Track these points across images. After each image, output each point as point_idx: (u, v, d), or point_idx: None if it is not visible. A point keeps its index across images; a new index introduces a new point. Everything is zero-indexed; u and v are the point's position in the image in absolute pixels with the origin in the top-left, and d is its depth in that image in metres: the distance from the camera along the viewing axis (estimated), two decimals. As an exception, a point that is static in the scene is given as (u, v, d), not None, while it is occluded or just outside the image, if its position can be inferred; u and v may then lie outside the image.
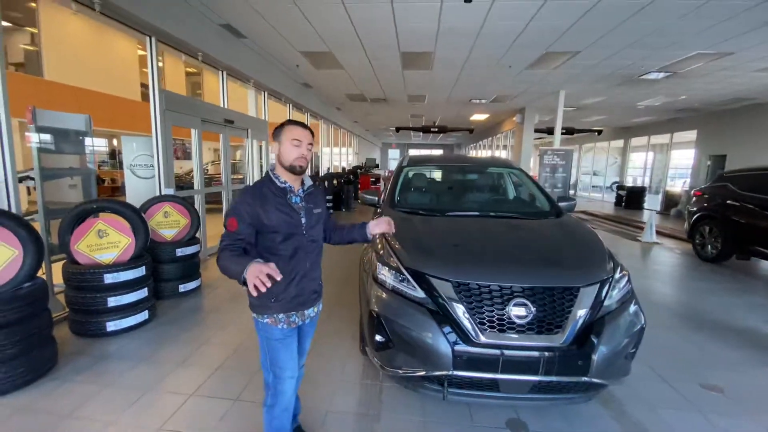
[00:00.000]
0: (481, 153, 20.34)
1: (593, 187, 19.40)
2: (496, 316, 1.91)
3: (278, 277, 1.28)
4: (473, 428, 2.11)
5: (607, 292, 2.01)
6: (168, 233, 3.86)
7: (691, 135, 11.90)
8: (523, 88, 8.56)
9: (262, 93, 7.28)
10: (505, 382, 1.89)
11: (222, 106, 5.89)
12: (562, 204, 3.28)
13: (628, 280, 2.20)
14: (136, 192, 4.70)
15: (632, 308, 2.07)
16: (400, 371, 1.98)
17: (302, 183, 1.62)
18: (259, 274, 1.25)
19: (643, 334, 2.09)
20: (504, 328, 1.90)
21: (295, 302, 1.58)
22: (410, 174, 3.64)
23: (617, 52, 5.77)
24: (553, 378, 1.85)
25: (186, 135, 6.68)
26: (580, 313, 1.91)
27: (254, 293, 1.26)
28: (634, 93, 8.74)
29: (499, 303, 1.92)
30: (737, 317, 3.76)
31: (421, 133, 20.19)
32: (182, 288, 3.85)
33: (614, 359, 1.90)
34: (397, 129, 15.00)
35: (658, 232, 7.92)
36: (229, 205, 1.49)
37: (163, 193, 4.21)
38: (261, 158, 7.34)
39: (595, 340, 1.85)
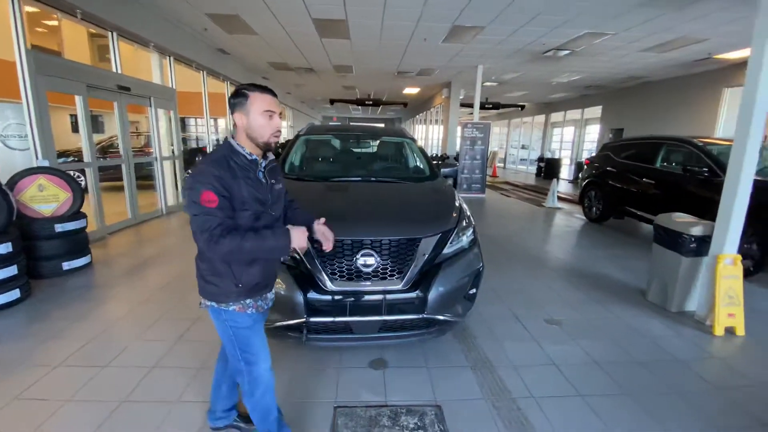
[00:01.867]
0: (419, 127, 20.71)
1: (522, 160, 20.75)
2: (346, 267, 2.10)
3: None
4: (340, 369, 2.33)
5: (447, 242, 2.28)
6: (45, 208, 3.58)
7: (598, 111, 13.09)
8: (444, 61, 8.81)
9: (167, 58, 6.75)
10: (356, 324, 2.11)
11: (115, 71, 5.40)
12: (445, 170, 3.56)
13: (473, 231, 2.51)
14: (10, 165, 4.26)
15: (471, 255, 2.37)
16: (269, 325, 2.13)
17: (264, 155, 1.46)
18: (304, 235, 1.37)
19: (481, 277, 2.42)
20: (353, 276, 2.10)
21: (260, 285, 1.47)
22: (305, 142, 3.70)
23: (518, 28, 6.14)
24: (395, 317, 2.10)
25: (97, 105, 6.09)
26: (420, 260, 2.16)
27: (328, 248, 1.60)
28: (545, 69, 9.38)
29: (349, 255, 2.11)
30: (597, 267, 4.40)
31: (359, 107, 20.05)
32: (66, 266, 3.64)
33: (450, 298, 2.19)
34: (331, 101, 14.76)
35: (560, 198, 8.81)
36: (189, 181, 1.29)
37: (37, 164, 3.86)
38: (172, 130, 6.91)
39: (430, 282, 2.12)
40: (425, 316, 2.11)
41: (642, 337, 2.82)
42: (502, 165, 21.26)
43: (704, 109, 8.98)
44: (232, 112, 1.36)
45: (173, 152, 7.01)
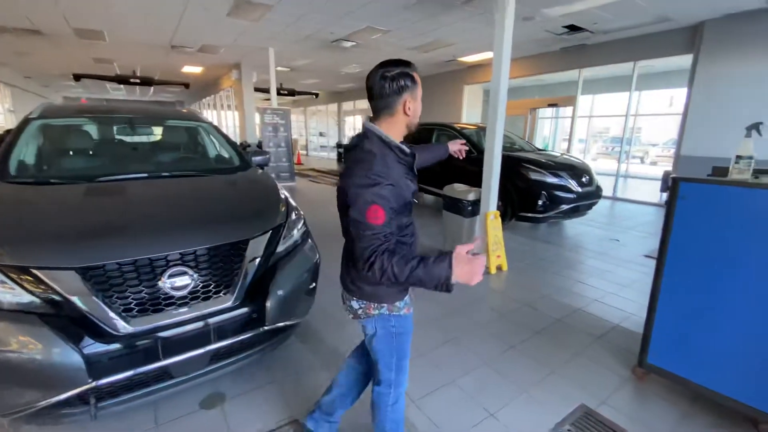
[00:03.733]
0: (208, 112, 18.40)
1: (322, 147, 21.57)
2: (147, 296, 1.57)
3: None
4: (158, 428, 1.78)
5: (279, 239, 2.04)
6: None
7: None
8: (230, 39, 7.96)
9: None
10: (175, 366, 1.63)
11: None
12: (257, 159, 3.19)
13: (304, 222, 2.34)
14: None
15: (307, 248, 2.21)
16: (21, 410, 1.37)
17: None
18: (482, 267, 1.10)
19: (318, 269, 2.30)
20: (160, 305, 1.60)
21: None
22: (42, 129, 2.58)
23: (306, 13, 6.11)
24: (231, 341, 1.74)
25: None
26: (251, 266, 1.85)
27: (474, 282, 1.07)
28: (334, 59, 9.82)
29: (149, 279, 1.58)
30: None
31: (122, 86, 16.02)
32: None
33: (291, 301, 1.98)
34: (77, 77, 11.10)
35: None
36: (356, 187, 1.07)
37: None
38: None
39: (267, 289, 1.84)
40: (267, 328, 1.84)
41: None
42: (305, 153, 21.56)
43: (453, 101, 11.48)
44: (399, 94, 1.15)
45: None
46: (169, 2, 5.72)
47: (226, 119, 14.83)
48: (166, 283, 1.60)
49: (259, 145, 9.67)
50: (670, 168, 7.91)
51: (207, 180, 2.46)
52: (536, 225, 5.57)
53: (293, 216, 2.24)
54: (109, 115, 2.97)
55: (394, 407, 1.41)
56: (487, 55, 8.95)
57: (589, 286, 3.47)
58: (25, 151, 2.35)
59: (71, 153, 2.61)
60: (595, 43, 7.66)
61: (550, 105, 9.57)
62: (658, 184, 8.60)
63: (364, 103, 16.19)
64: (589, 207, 5.42)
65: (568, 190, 5.00)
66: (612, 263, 4.09)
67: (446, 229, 4.06)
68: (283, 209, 2.19)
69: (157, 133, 3.13)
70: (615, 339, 2.59)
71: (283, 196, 2.34)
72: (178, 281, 1.62)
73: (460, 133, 6.20)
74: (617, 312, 2.97)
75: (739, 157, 1.81)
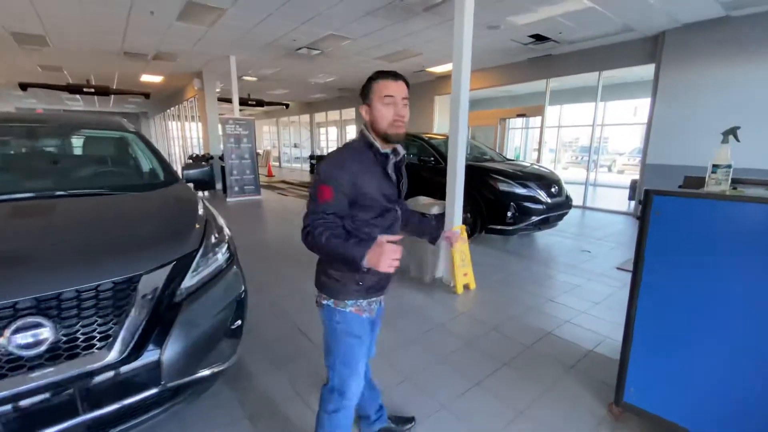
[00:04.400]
0: (173, 124, 17.65)
1: (296, 158, 21.10)
2: (-15, 358, 1.18)
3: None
4: None
5: (188, 270, 1.67)
6: None
7: (353, 112, 14.64)
8: (187, 45, 7.53)
9: None
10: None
11: None
12: (190, 172, 2.82)
13: (228, 247, 1.98)
14: None
15: (229, 278, 1.85)
16: None
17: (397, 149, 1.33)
18: (393, 254, 1.09)
19: (244, 303, 1.94)
20: (3, 371, 1.20)
21: (380, 285, 1.38)
22: None
23: (263, 19, 5.80)
24: (110, 408, 1.35)
25: None
26: (142, 307, 1.47)
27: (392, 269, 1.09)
28: (302, 68, 9.52)
29: (-17, 336, 1.18)
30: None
31: (78, 96, 15.16)
32: None
33: (201, 348, 1.60)
34: (23, 86, 10.35)
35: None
36: (319, 169, 1.21)
37: None
38: None
39: (164, 336, 1.47)
40: (166, 386, 1.46)
41: (410, 312, 3.06)
42: (277, 164, 21.02)
43: (425, 112, 11.37)
44: (362, 104, 1.29)
45: None
46: (110, 5, 5.29)
47: (191, 130, 14.21)
48: (13, 339, 1.21)
49: (221, 158, 9.19)
50: (637, 177, 7.99)
51: (112, 199, 2.06)
52: (506, 237, 5.37)
53: (212, 239, 1.88)
54: (7, 124, 2.53)
55: (332, 416, 1.36)
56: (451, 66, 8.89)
57: (560, 304, 3.24)
58: None
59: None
60: (561, 53, 7.70)
61: (519, 115, 9.59)
62: (626, 193, 8.69)
63: (335, 114, 15.93)
64: (560, 218, 5.28)
65: (538, 201, 4.83)
66: (583, 277, 3.90)
67: (410, 245, 3.77)
68: (197, 233, 1.82)
69: (68, 144, 2.68)
70: (589, 368, 2.33)
71: (201, 215, 1.98)
72: (30, 336, 1.23)
73: (427, 143, 5.98)
74: (590, 335, 2.73)
75: (715, 166, 1.60)
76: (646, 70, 6.78)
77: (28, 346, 1.23)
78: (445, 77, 10.41)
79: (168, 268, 1.59)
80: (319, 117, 17.21)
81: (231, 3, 5.20)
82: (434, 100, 11.06)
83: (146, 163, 2.67)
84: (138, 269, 1.50)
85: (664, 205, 1.59)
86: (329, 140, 18.36)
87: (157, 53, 8.14)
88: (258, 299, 3.20)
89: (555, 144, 11.57)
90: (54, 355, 1.28)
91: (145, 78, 11.18)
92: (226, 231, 2.06)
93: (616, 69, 7.18)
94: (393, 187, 1.32)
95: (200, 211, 2.01)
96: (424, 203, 3.62)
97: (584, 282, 3.76)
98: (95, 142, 2.73)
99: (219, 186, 10.00)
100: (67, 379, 1.27)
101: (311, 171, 15.59)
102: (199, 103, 11.11)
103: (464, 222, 5.02)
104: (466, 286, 3.51)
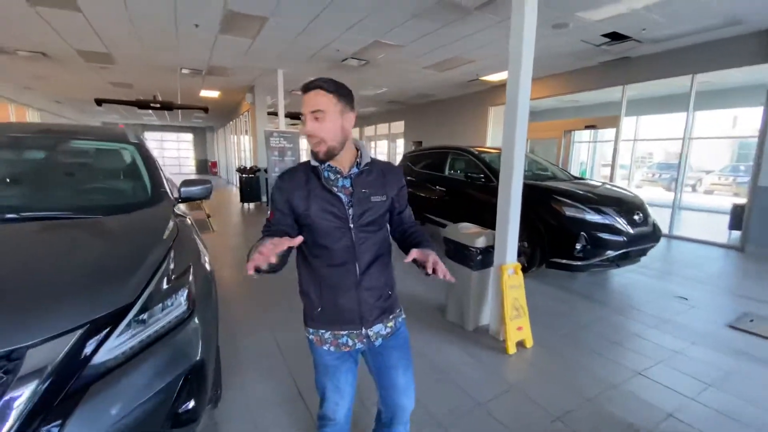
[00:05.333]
0: (233, 137, 18.52)
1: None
2: None
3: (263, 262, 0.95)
4: None
5: (108, 336, 1.18)
6: None
7: (402, 126, 14.20)
8: (236, 60, 7.58)
9: None
10: None
11: None
12: (188, 189, 2.42)
13: (188, 297, 1.47)
14: None
15: (178, 342, 1.34)
16: None
17: (358, 161, 1.22)
18: (262, 247, 0.97)
19: (205, 376, 1.41)
20: None
21: (342, 318, 1.21)
22: None
23: (306, 26, 5.52)
24: None
25: None
26: (21, 397, 0.99)
27: (250, 271, 0.95)
28: (349, 80, 9.19)
29: None
30: (400, 282, 4.04)
31: (151, 111, 16.45)
32: None
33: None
34: (98, 102, 11.28)
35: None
36: None
37: None
38: None
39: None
40: None
41: (441, 375, 2.36)
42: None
43: (477, 124, 10.58)
44: None
45: None
46: (157, 20, 5.32)
47: (245, 144, 14.68)
48: None
49: (266, 170, 9.14)
50: (738, 200, 6.52)
51: (63, 226, 1.66)
52: (573, 273, 4.42)
53: (162, 286, 1.38)
54: (7, 137, 2.29)
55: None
56: (514, 72, 8.07)
57: (655, 383, 2.34)
58: None
59: None
60: (642, 55, 6.59)
61: (588, 127, 8.44)
62: (720, 218, 7.17)
63: (384, 128, 15.62)
64: (643, 252, 4.24)
65: (617, 231, 3.89)
66: (683, 337, 2.92)
67: (450, 283, 3.08)
68: (135, 281, 1.32)
69: (52, 158, 2.37)
70: None
71: (156, 254, 1.49)
72: None
73: (477, 158, 5.25)
74: (710, 442, 1.84)
75: None
76: (751, 74, 5.49)
77: None
78: (501, 86, 9.59)
79: (72, 336, 1.11)
80: (369, 131, 17.02)
81: (270, 12, 4.97)
82: (488, 112, 10.24)
83: (137, 180, 2.30)
84: (23, 340, 1.03)
85: None
86: (377, 153, 18.08)
87: (209, 68, 8.33)
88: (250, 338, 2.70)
89: (629, 159, 10.14)
90: None
91: (204, 93, 11.69)
92: (190, 277, 1.55)
93: (715, 71, 5.94)
94: (337, 206, 1.17)
95: (157, 247, 1.53)
96: (466, 232, 2.93)
97: (686, 346, 2.79)
98: (85, 155, 2.43)
99: (264, 198, 10.00)
100: None
101: (358, 185, 15.34)
102: (251, 116, 11.33)
103: (520, 253, 4.22)
104: (520, 344, 2.73)
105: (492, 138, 10.31)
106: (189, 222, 2.21)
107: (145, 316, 1.29)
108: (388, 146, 16.23)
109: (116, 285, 1.28)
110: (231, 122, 17.00)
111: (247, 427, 1.90)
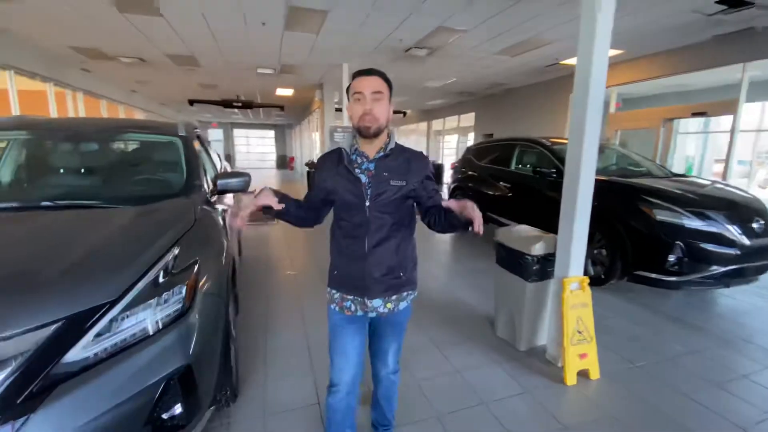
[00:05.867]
0: (307, 133, 19.44)
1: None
2: None
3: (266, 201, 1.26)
4: None
5: (82, 335, 1.12)
6: None
7: (473, 117, 13.50)
8: (302, 57, 7.78)
9: None
10: None
11: None
12: (224, 182, 2.41)
13: (187, 294, 1.39)
14: None
15: (155, 350, 1.24)
16: None
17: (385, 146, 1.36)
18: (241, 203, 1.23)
19: (189, 379, 1.32)
20: None
21: (350, 284, 1.39)
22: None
23: (366, 17, 5.38)
24: None
25: None
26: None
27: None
28: (415, 72, 9.00)
29: None
30: (452, 288, 3.73)
31: (237, 110, 17.98)
32: None
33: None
34: (191, 102, 12.59)
35: (436, 205, 8.45)
36: None
37: None
38: None
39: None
40: None
41: (477, 400, 2.03)
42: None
43: (555, 114, 9.56)
44: None
45: None
46: (229, 20, 5.61)
47: (315, 139, 15.24)
48: None
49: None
50: None
51: (87, 215, 1.71)
52: (665, 291, 3.66)
53: (157, 282, 1.31)
54: (66, 131, 2.50)
55: (327, 395, 1.47)
56: (601, 54, 7.06)
57: (774, 448, 1.75)
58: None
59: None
60: (773, 24, 5.26)
61: (696, 114, 7.05)
62: None
63: (453, 121, 15.03)
64: (763, 270, 3.34)
65: (726, 242, 3.10)
66: (822, 389, 2.18)
67: (500, 293, 2.69)
68: (125, 276, 1.27)
69: (102, 151, 2.52)
70: None
71: (157, 247, 1.43)
72: None
73: (548, 150, 4.65)
74: None
75: None
76: None
77: None
78: (586, 72, 8.54)
79: (46, 331, 1.06)
80: (437, 124, 16.55)
81: (329, 4, 4.93)
82: (569, 100, 9.17)
83: (176, 171, 2.35)
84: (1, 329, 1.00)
85: None
86: (446, 148, 17.48)
87: (282, 66, 8.69)
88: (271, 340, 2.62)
89: (750, 154, 8.34)
90: None
91: (280, 92, 12.35)
92: (219, 261, 1.49)
93: None
94: (356, 187, 1.33)
95: (161, 240, 1.47)
96: (521, 236, 2.51)
97: (826, 403, 2.07)
98: (135, 148, 2.55)
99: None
100: None
101: (424, 180, 15.00)
102: (320, 113, 11.67)
103: (597, 262, 3.63)
104: (583, 374, 2.27)
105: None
106: (219, 214, 2.19)
107: (129, 313, 1.22)
108: (457, 140, 15.59)
109: (102, 279, 1.23)
110: (305, 119, 17.82)
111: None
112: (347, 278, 1.38)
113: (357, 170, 1.33)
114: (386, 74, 1.31)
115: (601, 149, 5.04)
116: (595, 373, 2.26)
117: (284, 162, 27.16)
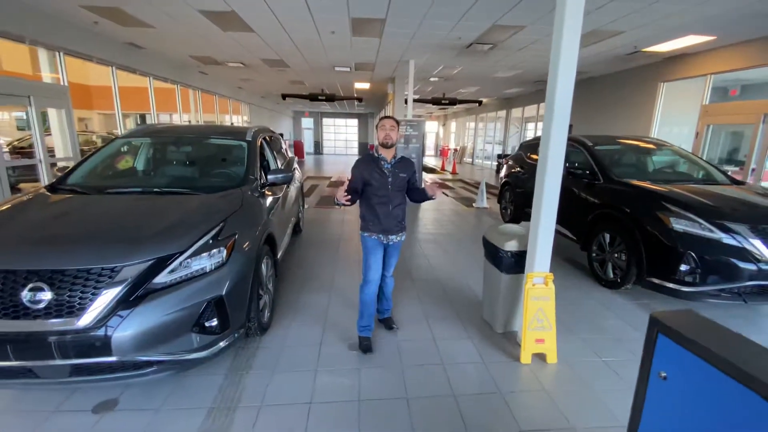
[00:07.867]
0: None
1: (499, 156, 20.35)
2: (11, 303, 1.79)
3: (342, 200, 2.36)
4: (57, 414, 2.03)
5: (164, 269, 1.97)
6: None
7: (552, 106, 12.79)
8: (372, 56, 8.45)
9: (57, 54, 6.32)
10: (39, 367, 1.81)
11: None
12: (272, 177, 3.24)
13: (224, 253, 2.20)
14: None
15: (207, 281, 2.07)
16: None
17: (395, 156, 2.60)
18: (338, 192, 2.36)
19: (222, 305, 2.12)
20: (18, 314, 1.78)
21: (381, 228, 2.57)
22: (121, 146, 3.37)
23: (421, 21, 5.81)
24: (73, 361, 1.79)
25: None
26: (112, 292, 1.85)
27: (341, 199, 2.35)
28: (482, 64, 9.05)
29: (12, 288, 1.79)
30: (468, 277, 4.12)
31: (324, 102, 19.56)
32: None
33: (160, 335, 1.89)
34: (283, 96, 14.27)
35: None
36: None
37: None
38: (65, 129, 6.48)
39: (118, 319, 1.81)
40: (117, 359, 1.82)
41: (438, 363, 2.54)
42: (470, 160, 21.01)
43: (642, 105, 8.75)
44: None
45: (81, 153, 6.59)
46: (303, 31, 6.52)
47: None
48: (25, 295, 1.78)
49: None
50: None
51: (180, 199, 2.63)
52: (683, 300, 3.57)
53: (208, 243, 2.14)
54: (173, 136, 3.59)
55: (361, 289, 2.66)
56: (690, 40, 6.38)
57: None
58: (93, 164, 3.10)
59: (118, 167, 3.32)
60: None
61: (814, 108, 5.95)
62: None
63: (532, 110, 14.39)
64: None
65: (745, 256, 2.98)
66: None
67: (485, 283, 3.09)
68: (190, 236, 2.11)
69: (196, 152, 3.56)
70: None
71: (212, 220, 2.28)
72: (34, 295, 1.78)
73: (588, 150, 4.64)
74: None
75: None
76: None
77: (33, 302, 1.78)
78: (674, 58, 7.69)
79: (147, 264, 1.94)
80: (516, 112, 15.95)
81: (384, 14, 5.47)
82: (658, 89, 8.33)
83: (239, 168, 3.24)
84: (119, 261, 1.90)
85: None
86: (524, 137, 16.76)
87: (355, 64, 9.52)
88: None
89: None
90: (49, 312, 1.80)
91: (357, 86, 13.30)
92: (255, 236, 2.47)
93: None
94: (383, 177, 2.53)
95: (214, 217, 2.31)
96: (503, 234, 2.87)
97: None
98: (212, 149, 3.54)
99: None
100: (45, 332, 1.77)
101: (497, 170, 14.77)
102: (392, 105, 12.31)
103: (616, 266, 3.75)
104: (541, 357, 2.60)
105: (660, 120, 8.41)
106: (267, 201, 3.02)
107: (192, 260, 2.06)
108: (535, 129, 14.90)
109: (177, 238, 2.08)
110: (382, 110, 18.66)
111: (274, 357, 2.59)
112: (378, 225, 2.55)
113: (384, 167, 2.52)
114: (396, 117, 2.75)
115: (655, 150, 4.80)
116: (552, 358, 2.58)
117: (365, 149, 28.64)
